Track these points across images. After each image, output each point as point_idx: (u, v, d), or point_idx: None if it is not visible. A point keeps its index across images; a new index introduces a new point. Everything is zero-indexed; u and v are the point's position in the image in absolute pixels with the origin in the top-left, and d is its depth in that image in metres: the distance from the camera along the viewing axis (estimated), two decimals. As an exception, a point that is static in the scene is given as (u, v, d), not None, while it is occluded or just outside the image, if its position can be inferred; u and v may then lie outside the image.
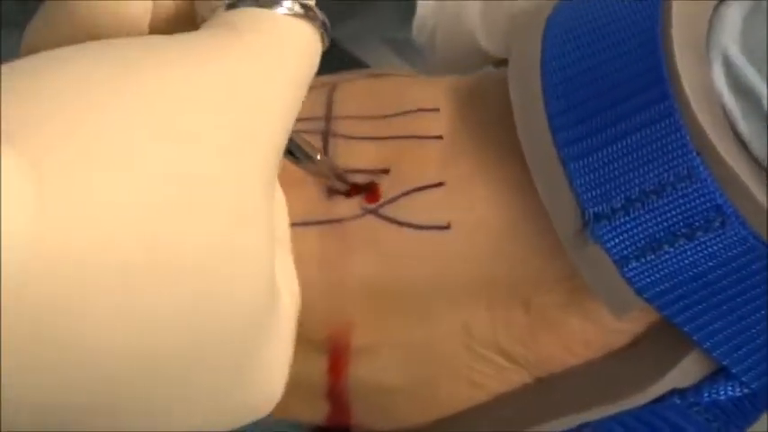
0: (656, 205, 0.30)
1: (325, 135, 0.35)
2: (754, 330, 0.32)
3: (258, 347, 0.24)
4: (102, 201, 0.20)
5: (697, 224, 0.30)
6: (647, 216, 0.30)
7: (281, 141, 0.25)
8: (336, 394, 0.34)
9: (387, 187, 0.34)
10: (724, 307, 0.31)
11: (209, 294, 0.22)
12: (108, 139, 0.20)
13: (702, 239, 0.30)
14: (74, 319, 0.20)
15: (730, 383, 0.33)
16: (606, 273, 0.31)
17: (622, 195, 0.30)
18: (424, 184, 0.33)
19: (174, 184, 0.21)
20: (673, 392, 0.33)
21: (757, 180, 0.30)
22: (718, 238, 0.30)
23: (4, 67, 0.21)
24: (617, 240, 0.30)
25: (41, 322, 0.19)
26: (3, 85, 0.21)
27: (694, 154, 0.30)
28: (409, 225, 0.33)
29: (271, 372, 0.25)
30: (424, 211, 0.33)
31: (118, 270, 0.20)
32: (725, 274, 0.31)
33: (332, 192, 0.34)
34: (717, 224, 0.30)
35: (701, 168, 0.30)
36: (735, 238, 0.30)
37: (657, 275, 0.30)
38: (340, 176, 0.34)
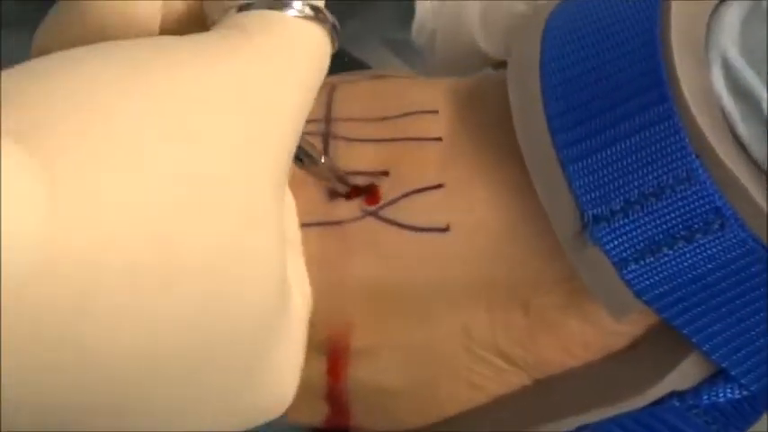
0: (655, 207, 0.30)
1: (326, 137, 0.35)
2: (753, 333, 0.32)
3: (269, 349, 0.25)
4: (112, 202, 0.20)
5: (696, 226, 0.30)
6: (647, 218, 0.30)
7: (291, 143, 0.25)
8: (336, 396, 0.34)
9: (386, 189, 0.34)
10: (723, 309, 0.31)
11: (218, 295, 0.22)
12: (118, 140, 0.20)
13: (701, 242, 0.30)
14: (84, 320, 0.20)
15: (729, 386, 0.33)
16: (605, 275, 0.31)
17: (621, 197, 0.30)
18: (423, 186, 0.33)
19: (183, 185, 0.21)
20: (672, 395, 0.33)
21: (756, 182, 0.30)
22: (717, 241, 0.30)
23: (16, 68, 0.22)
24: (616, 242, 0.30)
25: (53, 323, 0.19)
26: (14, 86, 0.21)
27: (693, 156, 0.30)
28: (409, 227, 0.33)
29: (282, 374, 0.25)
30: (423, 213, 0.33)
31: (127, 271, 0.20)
32: (724, 277, 0.31)
33: (332, 194, 0.34)
34: (716, 226, 0.30)
35: (700, 171, 0.30)
36: (734, 241, 0.30)
37: (656, 278, 0.30)
38: (341, 178, 0.34)
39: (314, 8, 0.25)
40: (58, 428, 0.21)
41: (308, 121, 0.35)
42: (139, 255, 0.20)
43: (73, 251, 0.19)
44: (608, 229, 0.30)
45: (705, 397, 0.33)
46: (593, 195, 0.30)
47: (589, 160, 0.30)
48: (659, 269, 0.30)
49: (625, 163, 0.30)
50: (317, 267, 0.33)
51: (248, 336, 0.23)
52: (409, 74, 0.40)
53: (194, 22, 0.26)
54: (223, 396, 0.24)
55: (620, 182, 0.30)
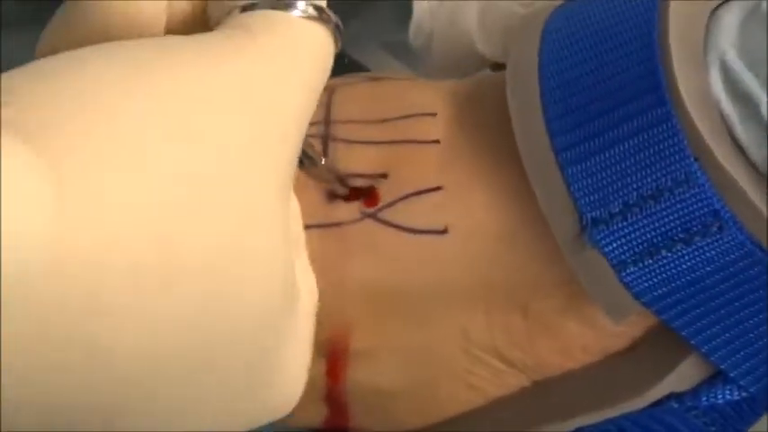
0: (653, 210, 0.30)
1: (325, 139, 0.35)
2: (752, 334, 0.32)
3: (275, 349, 0.25)
4: (117, 202, 0.20)
5: (695, 229, 0.30)
6: (645, 221, 0.30)
7: (295, 143, 0.25)
8: (335, 397, 0.35)
9: (385, 191, 0.34)
10: (722, 311, 0.31)
11: (219, 295, 0.22)
12: (123, 140, 0.21)
13: (700, 244, 0.30)
14: (90, 320, 0.20)
15: (728, 387, 0.33)
16: (604, 277, 0.31)
17: (620, 200, 0.30)
18: (422, 189, 0.33)
19: (186, 185, 0.21)
20: (671, 396, 0.33)
21: (755, 185, 0.30)
22: (715, 243, 0.30)
23: (22, 68, 0.22)
24: (615, 245, 0.30)
25: (60, 323, 0.20)
26: (21, 86, 0.21)
27: (692, 159, 0.30)
28: (407, 229, 0.33)
29: (289, 373, 0.26)
30: (421, 216, 0.33)
31: (130, 271, 0.20)
32: (723, 279, 0.31)
33: (332, 195, 0.34)
34: (714, 229, 0.30)
35: (699, 173, 0.30)
36: (732, 243, 0.30)
37: (655, 280, 0.30)
38: (341, 180, 0.34)
39: (317, 8, 0.25)
40: (61, 428, 0.21)
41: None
42: (141, 254, 0.20)
43: (80, 251, 0.20)
44: (606, 232, 0.30)
45: (704, 398, 0.33)
46: (591, 198, 0.30)
47: (588, 163, 0.30)
48: (658, 272, 0.30)
49: (623, 166, 0.30)
50: (317, 269, 0.33)
51: (250, 336, 0.23)
52: (408, 76, 0.40)
53: (198, 23, 0.26)
54: (227, 395, 0.24)
55: (619, 184, 0.30)
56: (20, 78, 0.21)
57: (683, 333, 0.32)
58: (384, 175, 0.34)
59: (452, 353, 0.34)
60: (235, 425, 0.25)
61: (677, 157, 0.30)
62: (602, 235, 0.30)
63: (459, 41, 0.38)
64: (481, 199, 0.33)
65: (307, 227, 0.33)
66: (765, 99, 0.30)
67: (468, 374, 0.34)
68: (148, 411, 0.22)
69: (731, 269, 0.30)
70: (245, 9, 0.25)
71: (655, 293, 0.31)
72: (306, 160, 0.31)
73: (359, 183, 0.34)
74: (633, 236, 0.30)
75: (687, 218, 0.30)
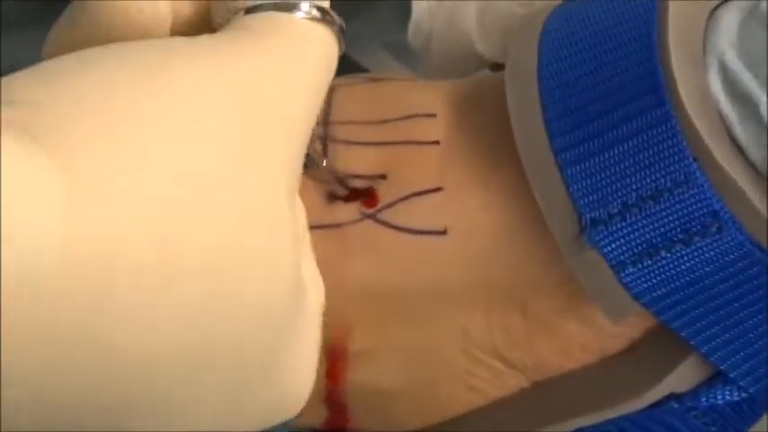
0: (652, 211, 0.30)
1: (324, 139, 0.35)
2: (751, 335, 0.32)
3: (281, 348, 0.25)
4: (126, 203, 0.20)
5: (694, 229, 0.30)
6: (644, 221, 0.30)
7: (301, 144, 0.25)
8: (334, 398, 0.35)
9: (385, 192, 0.34)
10: (721, 311, 0.31)
11: (221, 295, 0.22)
12: (131, 141, 0.21)
13: (699, 245, 0.30)
14: (99, 320, 0.20)
15: (728, 388, 0.33)
16: (603, 278, 0.31)
17: (619, 201, 0.30)
18: (421, 189, 0.33)
19: (191, 186, 0.21)
20: (670, 397, 0.33)
21: (754, 185, 0.30)
22: (714, 244, 0.30)
23: (32, 69, 0.22)
24: (614, 246, 0.30)
25: (70, 323, 0.20)
26: (31, 87, 0.21)
27: (691, 160, 0.30)
28: (407, 230, 0.33)
29: (297, 373, 0.26)
30: (421, 216, 0.33)
31: (133, 271, 0.20)
32: (722, 279, 0.31)
33: (332, 196, 0.34)
34: (713, 229, 0.30)
35: (698, 174, 0.30)
36: (731, 244, 0.30)
37: (654, 281, 0.30)
38: (341, 181, 0.34)
39: (321, 10, 0.25)
40: (65, 428, 0.21)
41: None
42: (143, 255, 0.20)
43: (89, 252, 0.20)
44: (606, 233, 0.30)
45: (704, 399, 0.33)
46: (590, 198, 0.30)
47: (587, 163, 0.30)
48: (657, 272, 0.30)
49: (623, 166, 0.30)
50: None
51: (252, 336, 0.23)
52: (408, 77, 0.40)
53: (202, 25, 0.26)
54: (228, 396, 0.24)
55: (618, 185, 0.30)
56: (29, 79, 0.22)
57: (683, 334, 0.32)
58: (383, 176, 0.34)
59: (452, 353, 0.34)
60: (244, 425, 0.25)
61: (676, 157, 0.30)
62: (601, 235, 0.30)
63: (457, 41, 0.38)
64: (480, 199, 0.33)
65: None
66: (764, 99, 0.30)
67: (468, 375, 0.34)
68: (154, 411, 0.22)
69: (731, 269, 0.30)
70: (249, 11, 0.25)
71: (654, 294, 0.31)
72: (307, 161, 0.31)
73: (358, 184, 0.34)
74: (632, 236, 0.30)
75: (686, 218, 0.30)
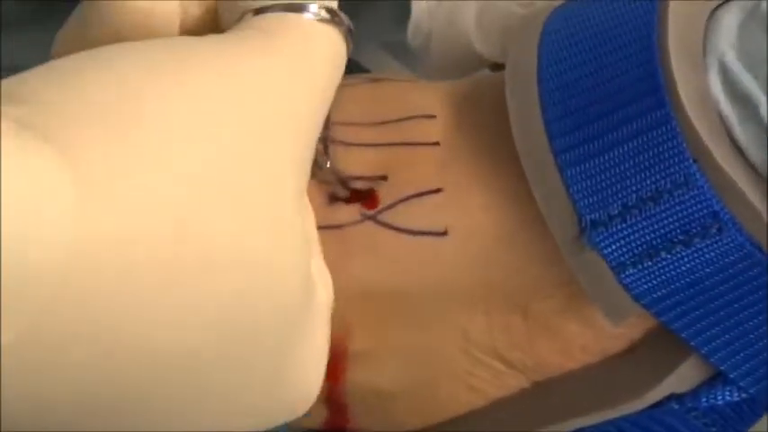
0: (652, 212, 0.30)
1: (324, 141, 0.35)
2: (751, 336, 0.32)
3: (293, 346, 0.25)
4: (136, 200, 0.20)
5: (694, 231, 0.30)
6: (644, 223, 0.30)
7: (310, 144, 0.25)
8: (334, 398, 0.35)
9: (385, 194, 0.34)
10: (721, 312, 0.31)
11: (239, 293, 0.22)
12: (142, 140, 0.21)
13: (699, 246, 0.30)
14: (110, 316, 0.20)
15: (728, 388, 0.33)
16: (603, 279, 0.31)
17: (619, 202, 0.30)
18: (421, 191, 0.33)
19: (203, 184, 0.22)
20: (670, 398, 0.33)
21: (754, 186, 0.30)
22: (715, 245, 0.30)
23: (42, 67, 0.22)
24: (614, 247, 0.30)
25: (80, 320, 0.20)
26: (42, 85, 0.21)
27: (691, 161, 0.30)
28: (407, 231, 0.33)
29: (306, 371, 0.26)
30: (421, 217, 0.33)
31: (142, 268, 0.20)
32: (722, 280, 0.31)
33: (333, 198, 0.34)
34: (714, 231, 0.30)
35: (698, 175, 0.30)
36: (732, 245, 0.30)
37: (654, 282, 0.30)
38: (343, 182, 0.34)
39: (330, 11, 0.26)
40: (65, 428, 0.21)
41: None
42: (160, 252, 0.21)
43: (100, 249, 0.20)
44: (606, 234, 0.30)
45: (704, 400, 0.33)
46: (590, 200, 0.30)
47: (587, 165, 0.31)
48: (657, 273, 0.30)
49: (623, 167, 0.30)
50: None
51: (262, 334, 0.24)
52: (408, 77, 0.40)
53: (210, 26, 0.27)
54: (247, 393, 0.24)
55: (618, 186, 0.30)
56: (40, 78, 0.22)
57: (683, 334, 0.32)
58: (384, 177, 0.34)
59: (452, 354, 0.34)
60: (252, 424, 0.25)
61: (676, 159, 0.30)
62: (601, 237, 0.30)
63: (457, 41, 0.38)
64: (480, 200, 0.33)
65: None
66: (764, 100, 0.30)
67: (468, 376, 0.34)
68: (169, 408, 0.23)
69: (731, 270, 0.30)
70: (258, 11, 0.25)
71: (654, 295, 0.31)
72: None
73: (358, 185, 0.34)
74: (632, 238, 0.30)
75: (686, 219, 0.30)
